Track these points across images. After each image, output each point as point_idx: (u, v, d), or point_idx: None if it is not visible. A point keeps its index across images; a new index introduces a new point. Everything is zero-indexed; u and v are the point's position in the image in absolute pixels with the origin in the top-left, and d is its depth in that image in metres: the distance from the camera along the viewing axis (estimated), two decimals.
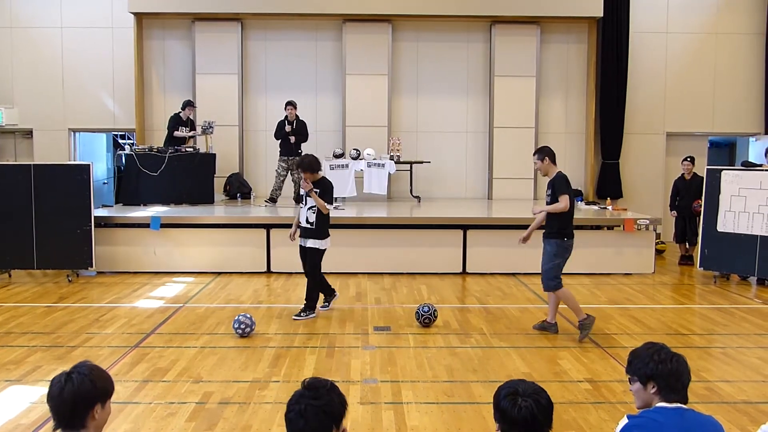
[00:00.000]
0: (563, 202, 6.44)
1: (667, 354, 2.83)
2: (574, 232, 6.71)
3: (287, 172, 11.48)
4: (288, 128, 11.36)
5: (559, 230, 6.59)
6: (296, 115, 11.37)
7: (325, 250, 7.47)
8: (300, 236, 7.52)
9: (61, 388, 2.51)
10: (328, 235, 7.50)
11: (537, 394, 2.44)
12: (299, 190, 7.70)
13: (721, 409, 4.82)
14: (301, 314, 7.34)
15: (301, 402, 2.30)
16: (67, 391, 2.51)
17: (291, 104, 11.34)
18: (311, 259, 7.44)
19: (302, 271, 7.53)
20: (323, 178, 7.49)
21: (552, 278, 6.65)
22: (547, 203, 6.67)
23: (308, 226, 7.39)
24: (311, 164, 7.37)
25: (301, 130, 11.48)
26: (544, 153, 6.67)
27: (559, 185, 6.55)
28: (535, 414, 2.38)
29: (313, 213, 7.35)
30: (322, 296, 7.70)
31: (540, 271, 6.82)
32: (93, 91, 13.37)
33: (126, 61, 13.09)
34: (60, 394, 2.51)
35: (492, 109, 13.32)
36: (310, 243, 7.40)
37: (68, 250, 9.22)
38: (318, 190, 7.28)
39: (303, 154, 9.06)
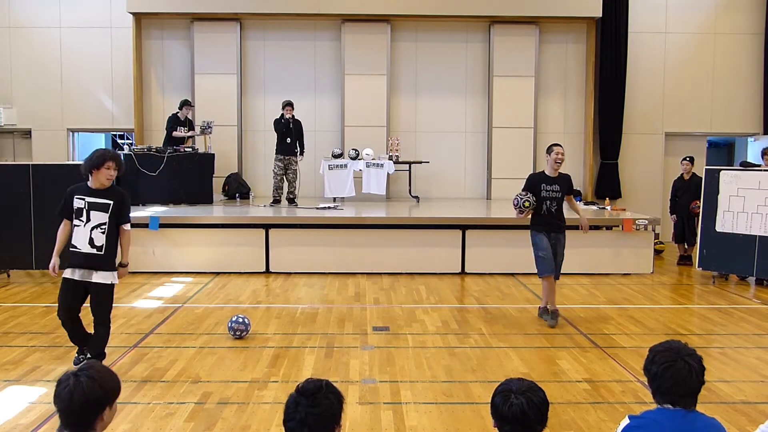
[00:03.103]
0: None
1: (663, 358, 2.70)
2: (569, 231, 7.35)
3: (284, 171, 11.48)
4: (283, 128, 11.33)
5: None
6: (293, 115, 11.39)
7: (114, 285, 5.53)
8: (74, 266, 5.46)
9: (71, 393, 2.43)
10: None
11: (530, 392, 2.45)
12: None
13: (720, 409, 4.82)
14: None
15: (300, 410, 2.29)
16: (77, 397, 2.43)
17: (290, 104, 11.35)
18: (103, 299, 5.42)
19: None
20: (116, 187, 5.60)
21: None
22: (560, 199, 7.10)
23: (94, 251, 5.39)
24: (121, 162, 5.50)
25: (300, 131, 11.58)
26: None
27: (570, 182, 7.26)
28: (525, 411, 2.40)
29: (103, 233, 5.39)
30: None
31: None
32: (92, 91, 13.37)
33: (125, 61, 13.11)
34: (70, 400, 2.43)
35: (491, 109, 13.33)
36: (99, 277, 5.37)
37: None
38: (111, 203, 5.43)
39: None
